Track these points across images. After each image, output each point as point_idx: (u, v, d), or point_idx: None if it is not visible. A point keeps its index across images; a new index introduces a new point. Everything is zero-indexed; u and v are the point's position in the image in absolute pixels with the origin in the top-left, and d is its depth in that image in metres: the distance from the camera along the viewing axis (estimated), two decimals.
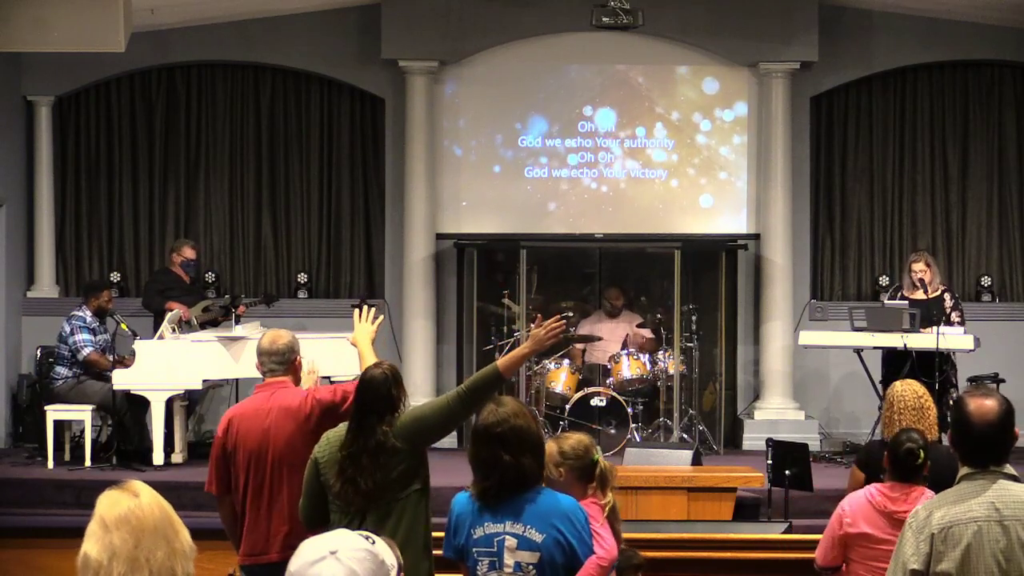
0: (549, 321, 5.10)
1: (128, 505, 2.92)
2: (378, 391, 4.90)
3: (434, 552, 4.91)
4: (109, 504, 2.93)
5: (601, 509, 4.74)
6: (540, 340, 5.07)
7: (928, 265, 10.81)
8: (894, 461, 5.53)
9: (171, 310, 10.89)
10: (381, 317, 5.69)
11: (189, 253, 11.67)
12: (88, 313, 10.72)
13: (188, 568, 2.94)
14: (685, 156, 12.42)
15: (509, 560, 4.32)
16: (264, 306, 11.78)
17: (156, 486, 3.02)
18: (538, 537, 4.30)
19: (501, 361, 5.06)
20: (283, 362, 5.65)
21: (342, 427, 4.99)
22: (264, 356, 5.64)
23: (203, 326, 11.36)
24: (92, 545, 2.90)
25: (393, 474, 4.87)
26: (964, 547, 3.63)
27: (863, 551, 5.46)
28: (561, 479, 4.71)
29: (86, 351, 10.57)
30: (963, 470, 3.77)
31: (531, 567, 4.31)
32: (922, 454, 5.51)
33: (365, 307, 5.61)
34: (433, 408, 5.06)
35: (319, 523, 4.95)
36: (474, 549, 4.37)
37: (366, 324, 5.55)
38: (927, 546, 3.66)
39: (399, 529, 4.75)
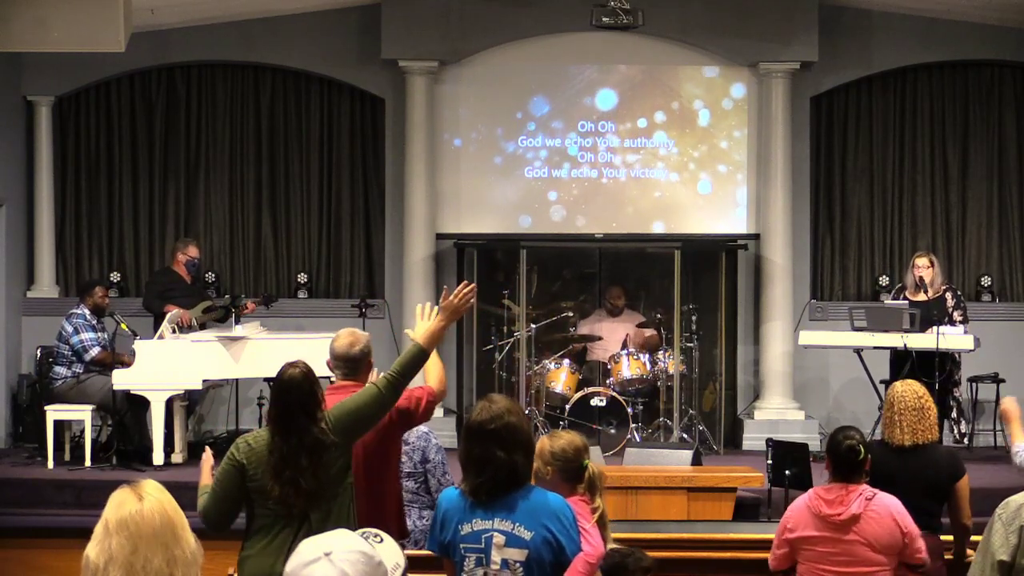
0: (458, 288, 5.21)
1: (130, 510, 2.92)
2: (302, 389, 4.87)
3: (421, 550, 4.88)
4: (114, 506, 2.94)
5: (590, 510, 4.72)
6: (454, 309, 5.25)
7: (931, 264, 10.81)
8: (835, 460, 5.50)
9: (174, 317, 10.88)
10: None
11: (194, 252, 11.68)
12: (87, 311, 10.71)
13: (190, 573, 2.94)
14: (686, 155, 12.42)
15: (496, 557, 4.30)
16: (263, 307, 11.77)
17: None
18: (527, 535, 4.29)
19: (421, 338, 5.18)
20: (357, 368, 5.51)
21: (262, 431, 4.95)
22: (339, 360, 5.48)
23: (203, 326, 11.35)
24: (93, 547, 2.92)
25: (333, 470, 4.87)
26: None
27: (805, 554, 5.47)
28: (548, 478, 4.69)
29: (94, 352, 10.56)
30: None
31: (518, 564, 4.29)
32: (862, 450, 5.48)
33: (428, 304, 5.53)
34: (366, 398, 5.04)
35: (227, 526, 4.97)
36: (461, 545, 4.35)
37: (428, 322, 5.43)
38: (1016, 538, 3.65)
39: (338, 526, 4.71)
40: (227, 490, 4.92)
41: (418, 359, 5.13)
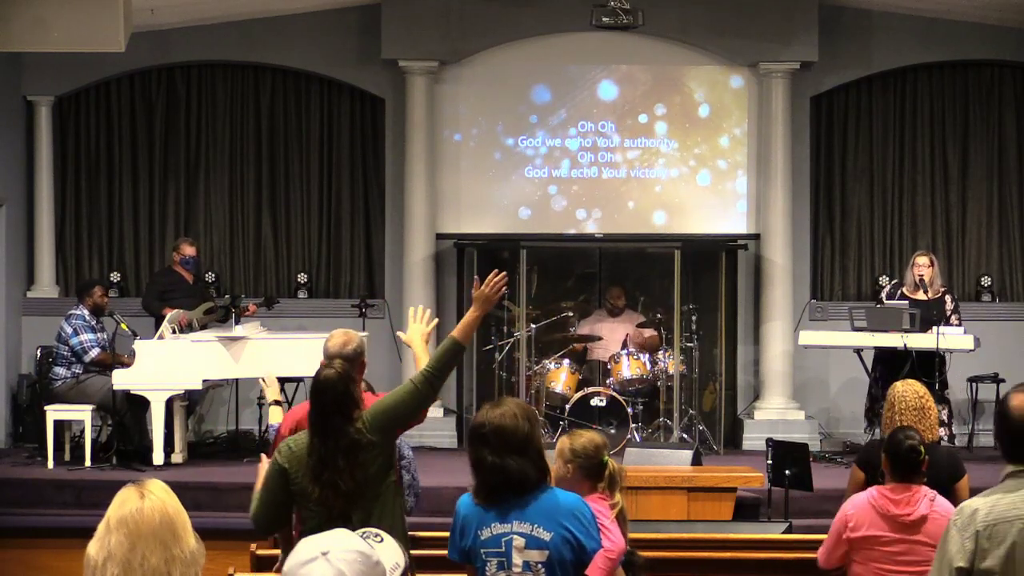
0: (489, 277, 5.14)
1: (131, 507, 2.95)
2: (336, 390, 4.85)
3: (439, 553, 4.87)
4: (117, 504, 2.98)
5: (610, 506, 4.75)
6: (487, 298, 5.15)
7: (932, 264, 10.81)
8: (896, 460, 5.50)
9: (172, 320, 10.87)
10: (436, 320, 5.62)
11: (188, 250, 11.65)
12: (86, 312, 10.71)
13: (189, 573, 2.95)
14: (686, 155, 12.43)
15: (518, 560, 4.32)
16: (266, 308, 11.77)
17: None
18: (546, 535, 4.31)
19: (456, 331, 5.12)
20: (351, 368, 5.39)
21: (302, 434, 4.94)
22: (333, 359, 5.38)
23: (204, 326, 11.34)
24: (94, 544, 2.96)
25: (372, 469, 4.85)
26: (1009, 545, 3.62)
27: (866, 553, 5.46)
28: (569, 476, 4.74)
29: (93, 353, 10.56)
30: (1007, 468, 3.76)
31: (540, 566, 4.32)
32: (923, 450, 5.50)
33: (420, 307, 5.52)
34: (402, 395, 5.02)
35: (275, 529, 5.00)
36: (482, 550, 4.37)
37: (420, 324, 5.45)
38: (972, 543, 3.64)
39: (382, 525, 4.70)
40: (272, 493, 4.92)
41: (454, 353, 5.08)
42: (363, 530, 2.90)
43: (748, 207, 12.37)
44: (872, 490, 5.54)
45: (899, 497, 5.43)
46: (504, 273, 5.21)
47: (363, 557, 2.72)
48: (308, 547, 2.74)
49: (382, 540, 2.81)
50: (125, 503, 2.96)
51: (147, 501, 2.96)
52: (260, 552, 6.12)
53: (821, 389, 12.32)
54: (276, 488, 4.91)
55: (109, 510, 2.97)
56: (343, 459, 4.79)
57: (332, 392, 4.85)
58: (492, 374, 11.88)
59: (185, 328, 10.93)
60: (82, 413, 10.45)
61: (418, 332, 5.45)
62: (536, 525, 4.32)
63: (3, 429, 11.87)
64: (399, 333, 5.66)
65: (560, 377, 11.44)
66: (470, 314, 5.17)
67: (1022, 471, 3.73)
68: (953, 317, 10.70)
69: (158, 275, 11.96)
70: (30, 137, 12.47)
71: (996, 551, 3.62)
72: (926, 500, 5.43)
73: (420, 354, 5.41)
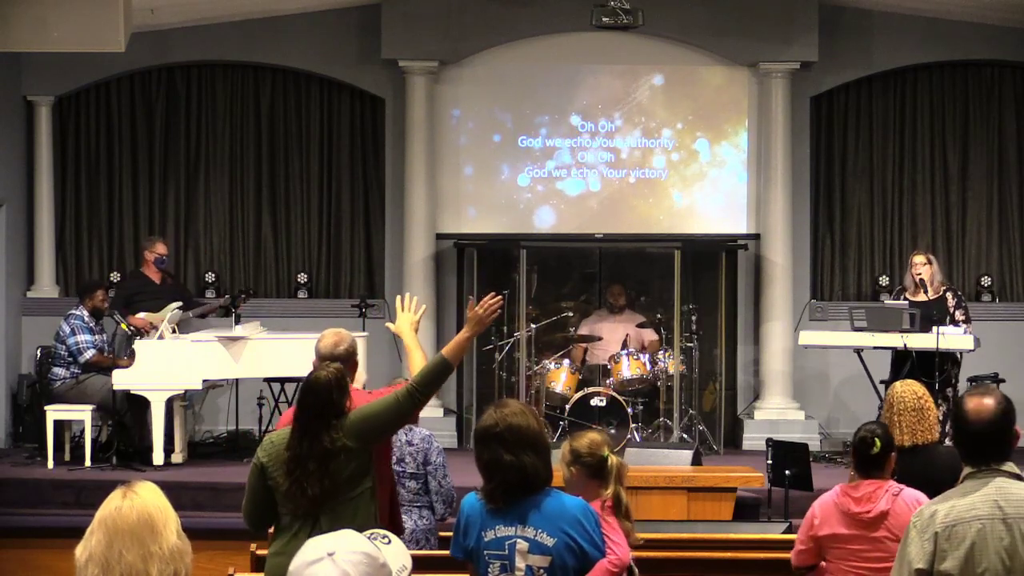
0: (485, 299, 5.11)
1: (112, 507, 2.98)
2: (319, 395, 4.81)
3: (441, 552, 4.86)
4: (103, 505, 3.01)
5: (612, 511, 4.73)
6: (480, 320, 5.11)
7: (929, 263, 10.79)
8: (854, 453, 5.51)
9: (131, 323, 10.75)
10: (424, 307, 5.59)
11: (162, 249, 11.51)
12: (85, 313, 10.70)
13: (168, 570, 2.96)
14: (686, 154, 12.43)
15: (520, 563, 4.31)
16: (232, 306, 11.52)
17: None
18: (550, 541, 4.30)
19: (446, 349, 5.07)
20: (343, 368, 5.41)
21: (285, 430, 4.93)
22: (325, 360, 5.30)
23: (174, 329, 11.14)
24: (79, 547, 3.01)
25: (344, 475, 4.82)
26: (968, 545, 3.64)
27: (834, 551, 5.44)
28: (574, 478, 4.73)
29: (88, 354, 10.56)
30: (966, 469, 3.77)
31: (542, 571, 4.31)
32: (878, 443, 5.45)
33: (408, 295, 5.49)
34: (383, 406, 4.98)
35: (264, 525, 4.97)
36: (485, 552, 4.36)
37: (408, 313, 5.42)
38: (931, 545, 3.66)
39: (353, 528, 4.67)
40: (253, 489, 4.92)
41: (441, 372, 5.00)
42: (370, 531, 2.91)
43: (748, 207, 12.37)
44: (837, 487, 5.53)
45: (859, 494, 5.40)
46: (500, 297, 5.17)
47: (369, 559, 2.72)
48: (314, 548, 2.74)
49: (389, 542, 2.82)
50: (109, 504, 3.00)
51: (127, 500, 2.99)
52: (260, 552, 6.10)
53: (821, 389, 12.32)
54: (255, 483, 4.92)
55: (97, 512, 3.00)
56: (313, 463, 4.77)
57: (318, 396, 4.81)
58: (492, 374, 11.88)
59: (152, 331, 10.78)
60: (82, 413, 10.45)
61: (407, 321, 5.42)
62: (540, 530, 4.31)
63: (3, 429, 11.87)
64: (388, 324, 5.62)
65: (560, 377, 11.44)
66: (462, 334, 5.12)
67: (979, 472, 3.74)
68: (958, 313, 10.64)
69: (125, 280, 11.83)
70: (30, 137, 12.46)
71: (955, 552, 3.64)
72: (887, 496, 5.37)
73: (410, 343, 5.38)
